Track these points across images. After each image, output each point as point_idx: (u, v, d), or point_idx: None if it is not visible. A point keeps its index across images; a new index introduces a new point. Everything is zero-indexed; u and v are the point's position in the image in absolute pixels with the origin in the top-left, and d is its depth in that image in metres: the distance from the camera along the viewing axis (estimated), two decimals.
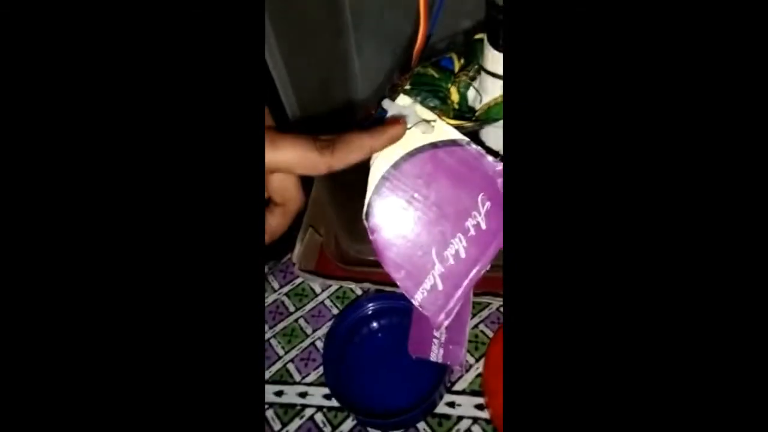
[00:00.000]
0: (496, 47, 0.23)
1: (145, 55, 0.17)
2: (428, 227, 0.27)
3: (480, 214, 0.26)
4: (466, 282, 0.27)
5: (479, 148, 0.25)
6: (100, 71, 0.17)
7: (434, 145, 0.26)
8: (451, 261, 0.27)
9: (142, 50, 0.17)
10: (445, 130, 0.25)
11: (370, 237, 0.28)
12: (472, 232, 0.27)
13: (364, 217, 0.27)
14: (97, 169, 0.17)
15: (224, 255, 0.17)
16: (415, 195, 0.26)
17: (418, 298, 0.28)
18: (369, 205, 0.27)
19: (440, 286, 0.27)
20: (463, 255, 0.27)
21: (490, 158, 0.25)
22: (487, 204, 0.26)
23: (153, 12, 0.17)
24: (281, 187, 0.22)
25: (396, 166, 0.26)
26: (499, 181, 0.26)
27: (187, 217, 0.17)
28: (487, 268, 0.27)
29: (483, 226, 0.26)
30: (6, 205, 0.16)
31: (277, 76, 0.29)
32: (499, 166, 0.25)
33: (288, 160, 0.20)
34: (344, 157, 0.21)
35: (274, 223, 0.23)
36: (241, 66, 0.18)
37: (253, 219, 0.18)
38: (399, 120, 0.24)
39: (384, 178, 0.26)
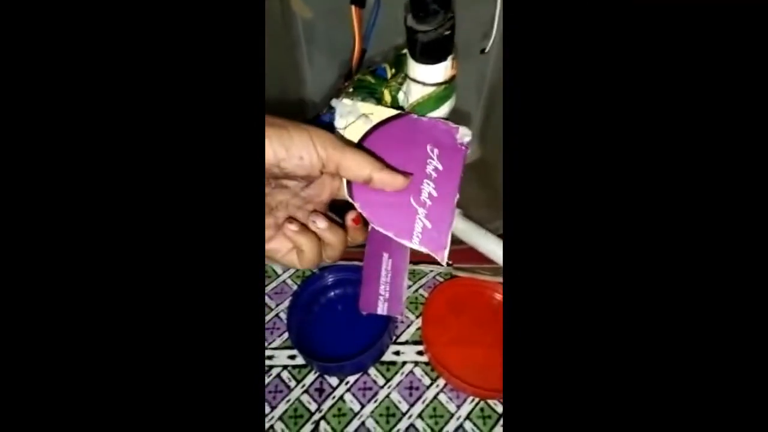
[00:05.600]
0: (416, 59, 0.31)
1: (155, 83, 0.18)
2: None
3: (434, 159, 0.31)
4: (449, 215, 0.32)
5: (412, 114, 0.32)
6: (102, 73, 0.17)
7: (379, 125, 0.32)
8: (429, 202, 0.32)
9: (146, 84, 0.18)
10: (384, 111, 0.32)
11: (360, 212, 0.34)
12: (434, 174, 0.32)
13: (348, 197, 0.33)
14: (96, 170, 0.17)
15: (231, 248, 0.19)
16: None
17: (416, 244, 0.32)
18: (349, 188, 0.33)
19: (429, 225, 0.32)
20: (435, 194, 0.31)
21: (423, 118, 0.32)
22: (436, 150, 0.32)
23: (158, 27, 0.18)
24: None
25: None
26: (436, 131, 0.32)
27: (199, 216, 0.18)
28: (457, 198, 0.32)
29: (440, 167, 0.32)
30: (6, 206, 0.16)
31: None
32: (429, 119, 0.32)
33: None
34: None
35: None
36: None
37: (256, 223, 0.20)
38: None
39: None
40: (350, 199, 0.32)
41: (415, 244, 0.33)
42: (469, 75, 0.47)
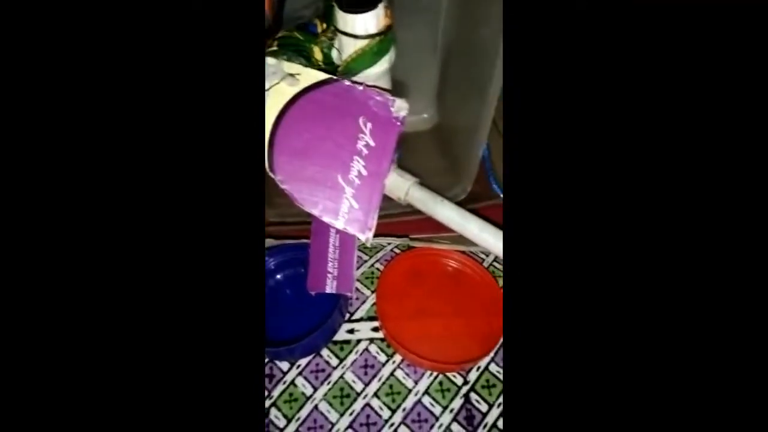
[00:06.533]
0: (342, 8, 0.28)
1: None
2: (327, 159, 0.29)
3: (366, 134, 0.29)
4: (377, 195, 0.29)
5: (346, 80, 0.29)
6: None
7: (307, 90, 0.29)
8: (357, 181, 0.29)
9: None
10: (313, 74, 0.29)
11: (282, 187, 0.30)
12: (365, 151, 0.29)
13: (269, 171, 0.30)
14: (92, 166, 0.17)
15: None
16: (306, 136, 0.30)
17: (341, 224, 0.30)
18: (270, 160, 0.30)
19: (356, 205, 0.30)
20: (365, 173, 0.29)
21: (358, 86, 0.28)
22: (369, 125, 0.29)
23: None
24: None
25: (279, 119, 0.29)
26: (371, 102, 0.28)
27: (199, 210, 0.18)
28: (388, 177, 0.30)
29: (372, 143, 0.29)
30: (6, 205, 0.16)
31: None
32: (364, 88, 0.28)
33: None
34: None
35: None
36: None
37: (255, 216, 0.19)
38: None
39: (273, 133, 0.29)
40: (271, 173, 0.28)
41: (339, 224, 0.30)
42: (419, 31, 0.43)
